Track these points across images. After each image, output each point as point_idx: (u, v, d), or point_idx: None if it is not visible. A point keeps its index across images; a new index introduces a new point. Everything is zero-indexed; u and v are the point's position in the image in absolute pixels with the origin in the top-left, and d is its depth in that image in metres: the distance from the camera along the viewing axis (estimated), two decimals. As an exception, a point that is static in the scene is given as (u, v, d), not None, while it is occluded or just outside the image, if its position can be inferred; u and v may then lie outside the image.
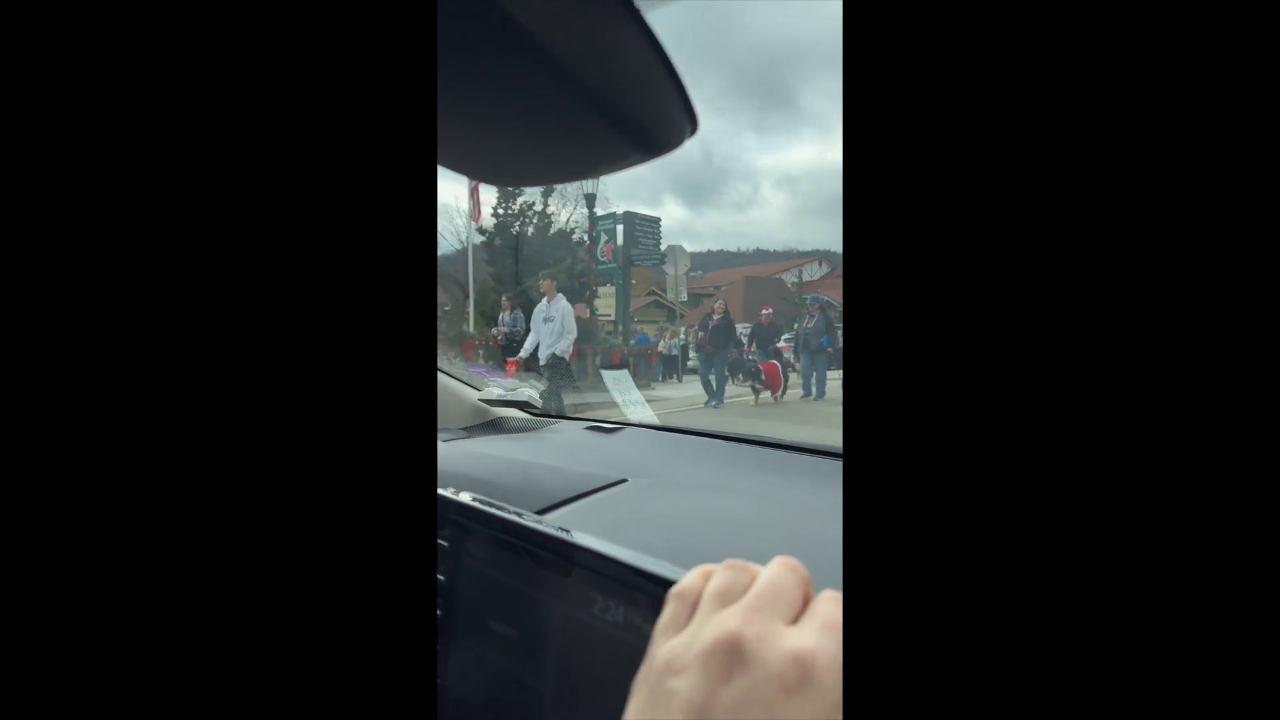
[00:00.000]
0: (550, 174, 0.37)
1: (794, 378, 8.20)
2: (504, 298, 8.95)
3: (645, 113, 0.30)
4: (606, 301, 10.24)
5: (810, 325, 8.11)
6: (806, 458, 0.69)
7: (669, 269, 10.74)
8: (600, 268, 10.83)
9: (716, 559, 0.27)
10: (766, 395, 7.43)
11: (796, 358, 8.26)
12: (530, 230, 12.17)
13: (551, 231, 12.44)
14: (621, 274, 10.54)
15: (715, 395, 7.03)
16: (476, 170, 0.36)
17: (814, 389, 7.51)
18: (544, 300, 5.09)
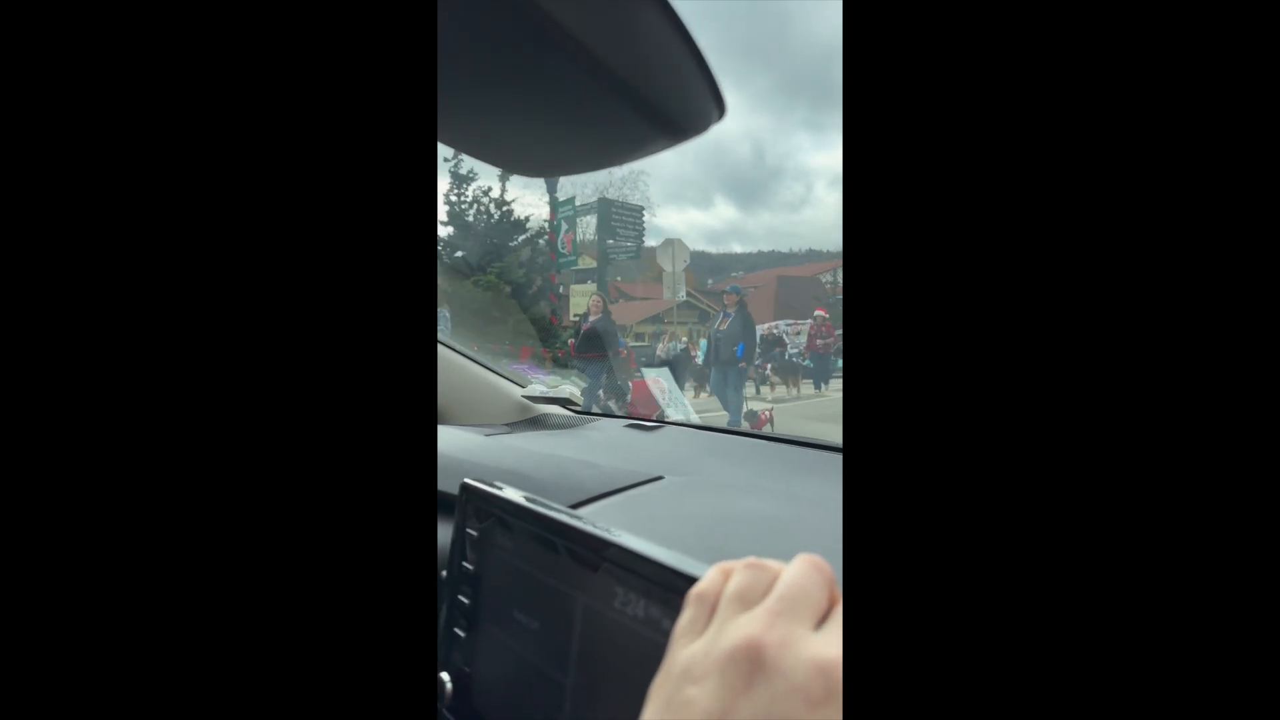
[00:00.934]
0: (577, 162, 0.38)
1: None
2: (436, 294, 8.28)
3: (670, 97, 0.30)
4: (584, 300, 9.28)
5: (723, 328, 6.07)
6: None
7: (665, 265, 9.87)
8: (561, 261, 9.92)
9: (749, 557, 0.27)
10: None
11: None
12: (488, 219, 11.55)
13: (511, 219, 11.71)
14: (598, 270, 9.78)
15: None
16: (503, 159, 0.37)
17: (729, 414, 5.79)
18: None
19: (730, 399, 5.77)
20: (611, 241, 9.60)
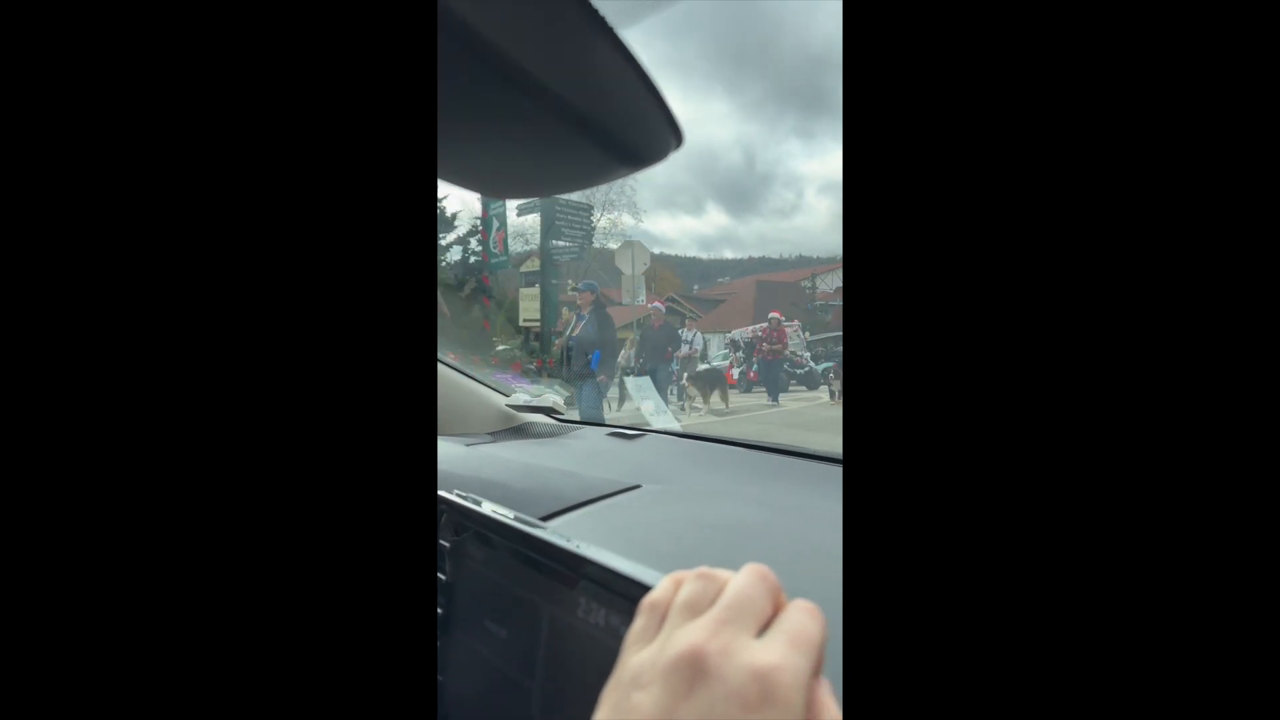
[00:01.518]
0: (540, 187, 0.39)
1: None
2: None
3: (627, 128, 0.32)
4: (530, 304, 8.66)
5: (575, 333, 5.15)
6: (828, 466, 0.75)
7: (624, 268, 9.53)
8: (494, 261, 9.38)
9: (724, 566, 0.29)
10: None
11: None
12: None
13: (441, 217, 11.31)
14: (542, 272, 9.06)
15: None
16: (471, 182, 0.38)
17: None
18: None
19: (590, 416, 4.88)
20: (558, 243, 8.96)
